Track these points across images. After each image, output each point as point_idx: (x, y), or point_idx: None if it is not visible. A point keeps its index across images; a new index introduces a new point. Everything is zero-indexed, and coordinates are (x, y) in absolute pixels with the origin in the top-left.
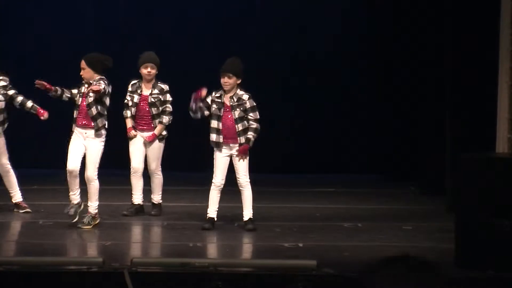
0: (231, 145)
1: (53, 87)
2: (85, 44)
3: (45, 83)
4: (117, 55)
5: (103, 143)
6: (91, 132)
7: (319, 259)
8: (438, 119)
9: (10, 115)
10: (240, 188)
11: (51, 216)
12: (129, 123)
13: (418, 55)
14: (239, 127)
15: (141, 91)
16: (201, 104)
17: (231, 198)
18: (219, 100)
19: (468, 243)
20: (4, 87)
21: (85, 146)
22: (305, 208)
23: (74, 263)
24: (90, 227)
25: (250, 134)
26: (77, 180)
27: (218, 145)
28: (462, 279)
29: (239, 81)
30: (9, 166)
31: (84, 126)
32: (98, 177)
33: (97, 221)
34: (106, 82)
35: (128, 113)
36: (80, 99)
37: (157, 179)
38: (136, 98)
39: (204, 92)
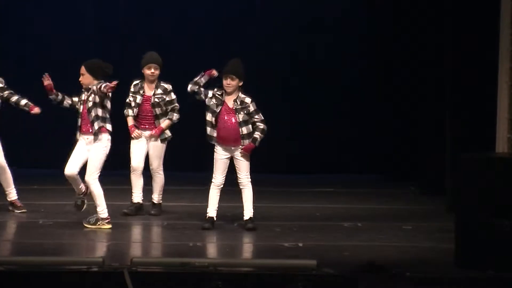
0: (232, 148)
1: (54, 90)
2: (85, 44)
3: (51, 84)
4: (117, 55)
5: (106, 149)
6: (92, 137)
7: (319, 259)
8: (438, 119)
9: (10, 116)
10: (241, 187)
11: (51, 216)
12: (130, 121)
13: (418, 55)
14: (244, 130)
15: (143, 92)
16: (202, 83)
17: (231, 198)
18: (220, 98)
19: (468, 243)
20: (1, 88)
21: (87, 152)
22: (305, 208)
23: (74, 263)
24: (94, 227)
25: (257, 134)
26: (78, 181)
27: (212, 139)
28: (462, 279)
29: (241, 83)
30: (5, 164)
31: (87, 133)
32: (99, 181)
33: (105, 226)
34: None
35: (129, 112)
36: (81, 106)
37: (159, 179)
38: (138, 98)
39: (214, 72)
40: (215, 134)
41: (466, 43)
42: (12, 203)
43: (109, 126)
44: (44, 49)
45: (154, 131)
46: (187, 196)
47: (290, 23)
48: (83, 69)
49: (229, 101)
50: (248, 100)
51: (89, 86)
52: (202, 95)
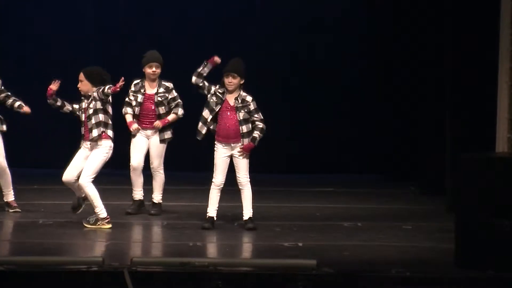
0: (232, 144)
1: (54, 96)
2: (85, 44)
3: (54, 90)
4: (117, 55)
5: (106, 155)
6: (94, 143)
7: (319, 259)
8: (438, 119)
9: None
10: (240, 187)
11: (51, 215)
12: (129, 118)
13: (418, 55)
14: (244, 128)
15: (144, 90)
16: (205, 73)
17: (231, 197)
18: (220, 96)
19: (468, 243)
20: None
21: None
22: (305, 207)
23: (74, 263)
24: (93, 227)
25: (257, 134)
26: (76, 185)
27: (199, 135)
28: (462, 279)
29: (242, 82)
30: (5, 165)
31: (89, 140)
32: (92, 183)
33: (105, 226)
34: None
35: (128, 110)
36: (83, 115)
37: (159, 178)
38: (140, 97)
39: (216, 59)
40: (204, 131)
41: (466, 43)
42: (8, 203)
43: (110, 132)
44: (44, 49)
45: (160, 122)
46: (187, 196)
47: (290, 23)
48: (81, 76)
49: (230, 99)
50: (249, 98)
51: (88, 93)
52: (205, 90)
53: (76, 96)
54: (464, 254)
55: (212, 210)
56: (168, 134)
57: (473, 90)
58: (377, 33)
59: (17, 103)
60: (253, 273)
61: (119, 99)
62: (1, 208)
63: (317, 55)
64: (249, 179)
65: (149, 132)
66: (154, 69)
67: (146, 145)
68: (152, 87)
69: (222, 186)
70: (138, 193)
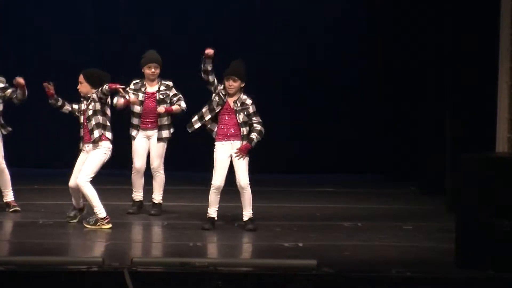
0: (232, 142)
1: (55, 96)
2: (85, 44)
3: (51, 88)
4: (117, 55)
5: (105, 155)
6: (92, 145)
7: (319, 259)
8: (438, 119)
9: (10, 116)
10: (240, 189)
11: (51, 215)
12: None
13: (418, 55)
14: (244, 131)
15: (145, 89)
16: (208, 67)
17: (231, 198)
18: (222, 98)
19: (468, 243)
20: (2, 88)
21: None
22: (305, 207)
23: (74, 263)
24: (93, 227)
25: (254, 135)
26: (79, 194)
27: (191, 126)
28: (462, 279)
29: (243, 85)
30: (4, 165)
31: (89, 142)
32: (90, 182)
33: (105, 226)
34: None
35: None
36: (82, 116)
37: (159, 178)
38: (141, 96)
39: (209, 50)
40: (197, 126)
41: (466, 43)
42: (7, 204)
43: (109, 134)
44: (44, 49)
45: (164, 107)
46: (187, 196)
47: (290, 23)
48: (81, 78)
49: (231, 102)
50: (249, 101)
51: (88, 95)
52: (212, 87)
53: (76, 97)
54: (464, 254)
55: (212, 211)
56: (168, 133)
57: (473, 90)
58: (377, 33)
59: (11, 90)
60: (253, 273)
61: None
62: (1, 208)
63: (317, 55)
64: (248, 182)
65: (149, 132)
66: (153, 69)
67: (147, 147)
68: (152, 86)
69: (221, 188)
70: (138, 195)
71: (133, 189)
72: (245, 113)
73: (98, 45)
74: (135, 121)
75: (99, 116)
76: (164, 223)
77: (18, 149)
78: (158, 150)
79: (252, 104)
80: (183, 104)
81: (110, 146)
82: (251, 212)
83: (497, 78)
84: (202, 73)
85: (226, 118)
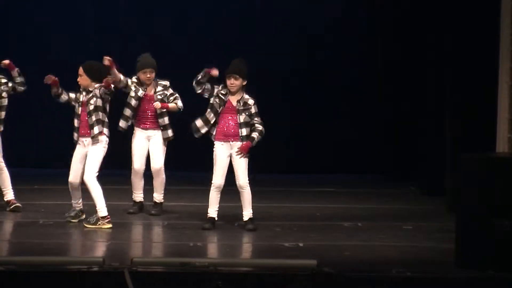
0: (231, 143)
1: (58, 85)
2: (85, 44)
3: (54, 77)
4: (117, 55)
5: (104, 149)
6: (90, 139)
7: (319, 259)
8: (438, 119)
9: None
10: (240, 189)
11: (51, 216)
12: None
13: (418, 55)
14: (243, 131)
15: (145, 88)
16: (207, 84)
17: (231, 198)
18: (223, 98)
19: (468, 243)
20: (6, 83)
21: (86, 154)
22: (305, 207)
23: (74, 263)
24: (94, 227)
25: (255, 135)
26: (79, 191)
27: (197, 131)
28: (462, 279)
29: (244, 83)
30: (3, 164)
31: (85, 135)
32: (97, 180)
33: (106, 226)
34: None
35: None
36: (80, 108)
37: (160, 178)
38: (140, 92)
39: (214, 71)
40: (203, 131)
41: (466, 43)
42: (7, 202)
43: (106, 131)
44: (44, 49)
45: (162, 104)
46: (187, 196)
47: (290, 23)
48: (81, 70)
49: (233, 100)
50: (251, 102)
51: (89, 88)
52: (207, 94)
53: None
54: (464, 254)
55: (212, 211)
56: (168, 134)
57: (473, 90)
58: (377, 33)
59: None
60: (253, 273)
61: (119, 100)
62: (1, 208)
63: (317, 55)
64: (248, 182)
65: (149, 132)
66: (148, 75)
67: (147, 147)
68: (150, 89)
69: (221, 187)
70: (138, 196)
71: (133, 191)
72: (247, 113)
73: (98, 45)
74: (127, 112)
75: (99, 112)
76: (164, 223)
77: (18, 149)
78: (159, 149)
79: (254, 104)
80: (179, 103)
81: (107, 139)
82: (251, 212)
83: (497, 78)
84: (195, 83)
85: (228, 118)
